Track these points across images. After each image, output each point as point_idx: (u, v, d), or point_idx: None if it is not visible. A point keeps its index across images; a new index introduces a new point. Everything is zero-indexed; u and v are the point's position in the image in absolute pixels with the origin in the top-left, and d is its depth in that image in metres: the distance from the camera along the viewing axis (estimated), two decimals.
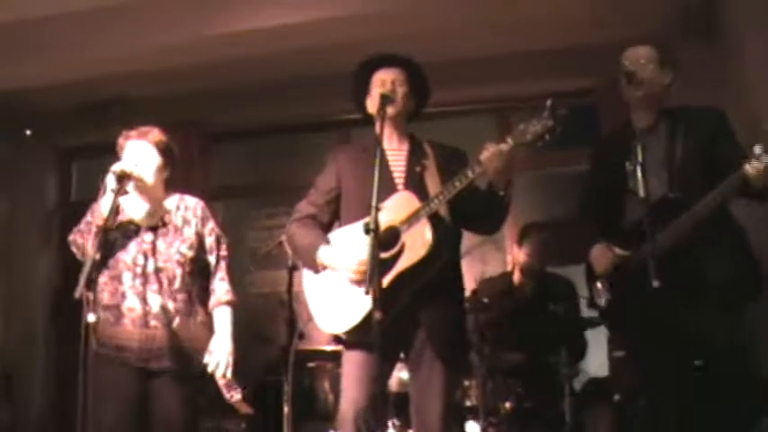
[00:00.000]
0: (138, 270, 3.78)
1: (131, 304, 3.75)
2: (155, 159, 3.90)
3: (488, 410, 4.88)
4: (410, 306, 3.43)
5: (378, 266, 3.04)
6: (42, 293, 7.21)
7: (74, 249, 3.85)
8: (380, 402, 3.61)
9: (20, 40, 5.98)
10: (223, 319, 3.91)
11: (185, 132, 6.49)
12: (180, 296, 3.81)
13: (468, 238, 3.80)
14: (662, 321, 3.34)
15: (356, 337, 3.48)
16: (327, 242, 3.62)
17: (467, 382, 5.01)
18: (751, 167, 3.20)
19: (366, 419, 3.40)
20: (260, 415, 5.42)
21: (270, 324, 5.97)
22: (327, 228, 3.73)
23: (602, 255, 3.67)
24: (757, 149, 3.20)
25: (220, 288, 3.96)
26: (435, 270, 3.42)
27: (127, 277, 3.77)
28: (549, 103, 3.33)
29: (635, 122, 3.65)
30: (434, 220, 3.44)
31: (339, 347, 3.72)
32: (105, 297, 3.75)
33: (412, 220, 3.42)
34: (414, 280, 3.40)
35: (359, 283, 3.41)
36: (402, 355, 3.68)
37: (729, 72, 5.25)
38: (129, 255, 3.80)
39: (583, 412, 4.93)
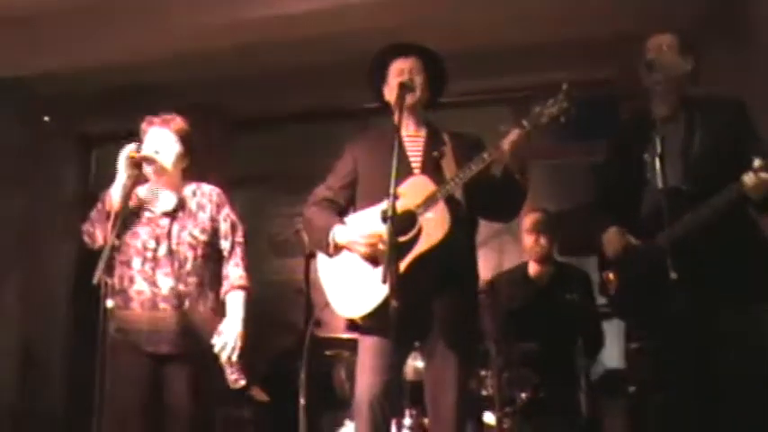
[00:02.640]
0: (149, 254, 3.78)
1: (140, 287, 3.76)
2: (175, 148, 3.92)
3: (504, 401, 4.87)
4: (425, 295, 3.44)
5: (395, 254, 3.04)
6: (62, 281, 7.25)
7: (85, 239, 3.86)
8: (396, 390, 3.60)
9: (40, 26, 6.01)
10: (235, 303, 3.88)
11: (206, 119, 6.51)
12: (191, 279, 3.81)
13: (484, 230, 3.80)
14: (677, 314, 3.33)
15: (372, 323, 3.49)
16: (343, 224, 3.64)
17: (483, 373, 5.01)
18: (748, 179, 3.21)
19: (381, 406, 3.41)
20: (275, 402, 5.44)
21: (287, 311, 5.99)
22: (344, 212, 3.74)
23: (614, 238, 3.65)
24: (756, 162, 3.19)
25: (234, 273, 3.93)
26: (452, 254, 3.43)
27: (136, 262, 3.78)
28: (564, 86, 3.36)
29: (654, 111, 3.63)
30: (451, 204, 3.45)
31: (356, 336, 3.73)
32: (115, 281, 3.76)
33: (428, 203, 3.43)
34: (431, 264, 3.41)
35: (371, 259, 3.44)
36: (417, 344, 3.69)
37: (753, 70, 5.21)
38: (140, 239, 3.81)
39: (599, 404, 4.93)
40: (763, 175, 3.18)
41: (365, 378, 3.51)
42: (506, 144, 3.38)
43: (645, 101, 3.68)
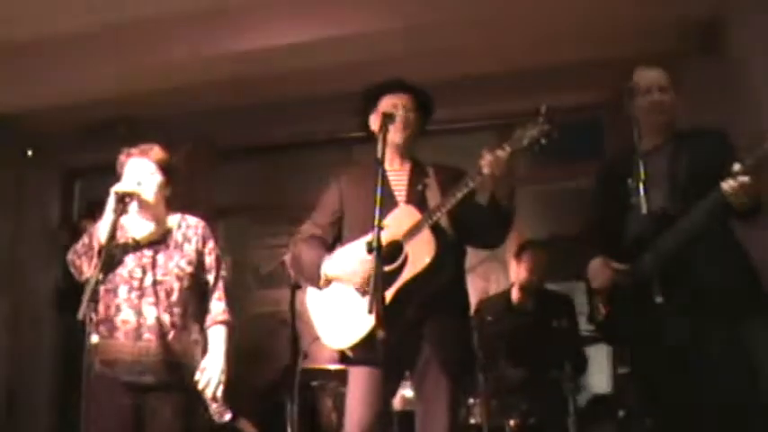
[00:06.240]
0: (135, 283, 3.76)
1: (125, 317, 3.72)
2: (156, 177, 3.89)
3: (493, 428, 4.86)
4: (415, 323, 3.42)
5: (381, 284, 3.03)
6: (46, 312, 7.21)
7: (71, 269, 3.84)
8: (386, 421, 3.58)
9: (23, 61, 6.00)
10: (217, 338, 3.87)
11: (189, 151, 6.50)
12: (176, 310, 3.78)
13: (470, 257, 3.80)
14: (664, 337, 3.33)
15: (361, 354, 3.47)
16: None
17: (471, 400, 5.00)
18: (727, 185, 3.20)
19: None
20: None
21: (273, 343, 5.97)
22: (331, 249, 3.72)
23: (599, 269, 3.66)
24: (736, 167, 3.19)
25: (217, 307, 3.93)
26: (440, 281, 3.42)
27: (122, 290, 3.75)
28: (543, 108, 3.35)
29: (641, 143, 3.61)
30: (437, 232, 3.44)
31: (342, 367, 3.72)
32: (100, 311, 3.70)
33: (414, 231, 3.43)
34: (418, 291, 3.40)
35: (364, 291, 3.41)
36: (407, 374, 3.67)
37: (735, 89, 5.24)
38: (126, 268, 3.78)
39: (587, 429, 4.92)
40: (741, 178, 3.16)
41: (356, 410, 3.49)
42: (486, 167, 3.37)
43: (630, 128, 3.67)
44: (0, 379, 6.76)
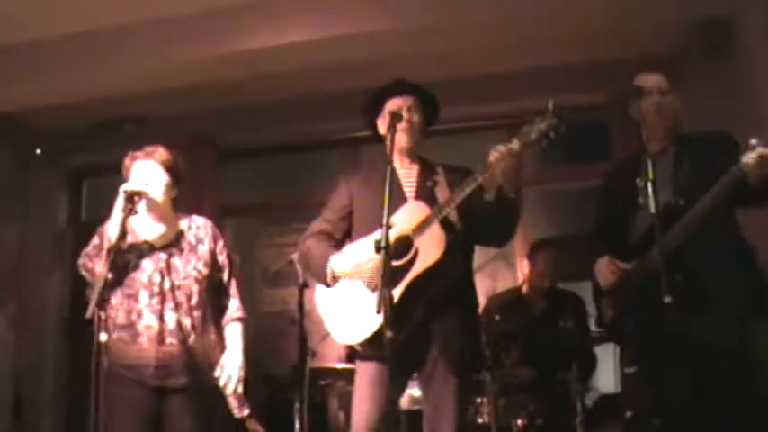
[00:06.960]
0: (156, 288, 3.77)
1: (148, 322, 3.73)
2: (163, 178, 3.90)
3: (500, 428, 4.86)
4: (423, 321, 3.43)
5: (389, 281, 3.03)
6: (53, 313, 7.23)
7: (83, 273, 3.85)
8: (393, 419, 3.58)
9: (30, 60, 6.02)
10: (234, 334, 3.93)
11: (196, 150, 6.50)
12: (196, 313, 3.81)
13: (478, 256, 3.80)
14: (672, 336, 3.33)
15: (370, 350, 3.47)
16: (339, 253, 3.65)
17: (479, 400, 4.99)
18: (748, 158, 3.21)
19: None
20: None
21: (281, 342, 5.97)
22: (340, 245, 3.73)
23: (606, 268, 3.67)
24: (753, 141, 3.20)
25: (232, 305, 3.98)
26: (449, 277, 3.42)
27: (143, 296, 3.76)
28: (551, 104, 3.37)
29: (646, 147, 3.62)
30: (447, 227, 3.45)
31: (350, 366, 3.72)
32: (120, 316, 3.73)
33: (423, 227, 3.43)
34: (428, 287, 3.40)
35: (373, 287, 3.42)
36: (415, 375, 3.68)
37: (740, 89, 5.24)
38: (145, 273, 3.79)
39: (595, 429, 4.91)
40: (761, 149, 3.17)
41: (363, 406, 3.49)
42: (494, 160, 3.37)
43: (635, 129, 3.68)
44: (6, 380, 6.76)
